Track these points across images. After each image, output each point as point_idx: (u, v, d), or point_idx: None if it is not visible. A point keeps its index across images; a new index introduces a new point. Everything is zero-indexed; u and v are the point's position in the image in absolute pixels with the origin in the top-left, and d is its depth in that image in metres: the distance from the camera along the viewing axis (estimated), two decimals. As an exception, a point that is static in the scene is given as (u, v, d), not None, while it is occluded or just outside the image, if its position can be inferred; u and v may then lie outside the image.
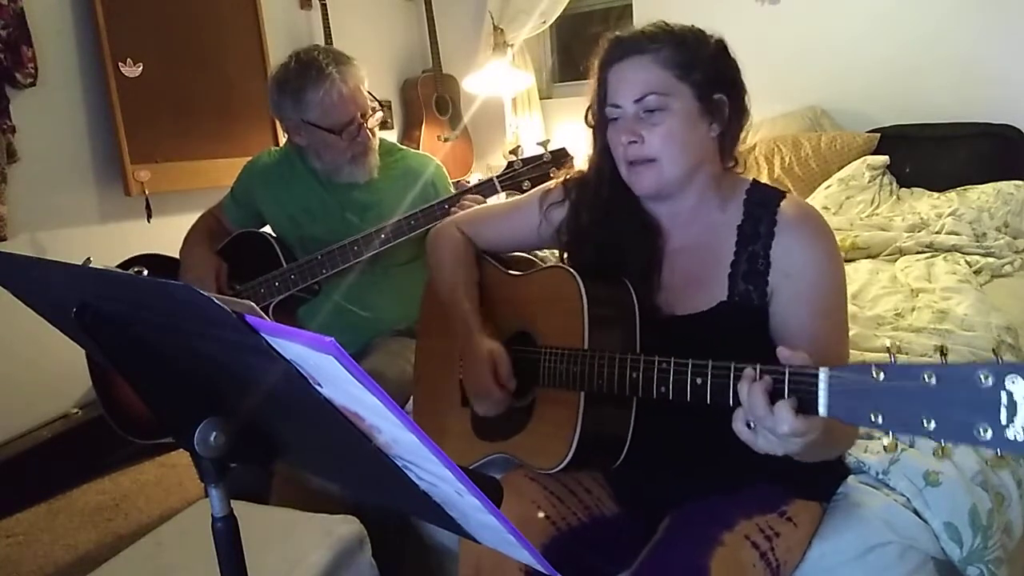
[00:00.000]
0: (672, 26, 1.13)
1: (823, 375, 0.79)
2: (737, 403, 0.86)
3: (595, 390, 1.07)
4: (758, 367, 0.85)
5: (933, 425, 0.70)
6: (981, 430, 0.67)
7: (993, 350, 0.73)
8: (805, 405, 0.81)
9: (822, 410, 0.79)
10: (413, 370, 1.56)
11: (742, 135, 1.17)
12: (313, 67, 1.69)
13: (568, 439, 1.09)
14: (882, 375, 0.74)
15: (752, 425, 0.85)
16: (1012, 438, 0.65)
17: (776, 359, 0.85)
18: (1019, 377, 0.65)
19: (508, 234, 1.39)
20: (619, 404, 1.09)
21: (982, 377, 0.67)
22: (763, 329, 1.10)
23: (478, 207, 1.58)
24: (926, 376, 0.70)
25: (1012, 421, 0.65)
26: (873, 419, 0.74)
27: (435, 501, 0.65)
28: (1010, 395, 0.65)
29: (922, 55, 2.95)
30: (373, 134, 1.78)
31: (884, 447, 0.77)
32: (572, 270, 1.16)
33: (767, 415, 0.82)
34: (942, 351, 0.74)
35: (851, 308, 1.93)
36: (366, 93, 1.76)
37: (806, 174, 2.92)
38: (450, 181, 1.91)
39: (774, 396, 0.82)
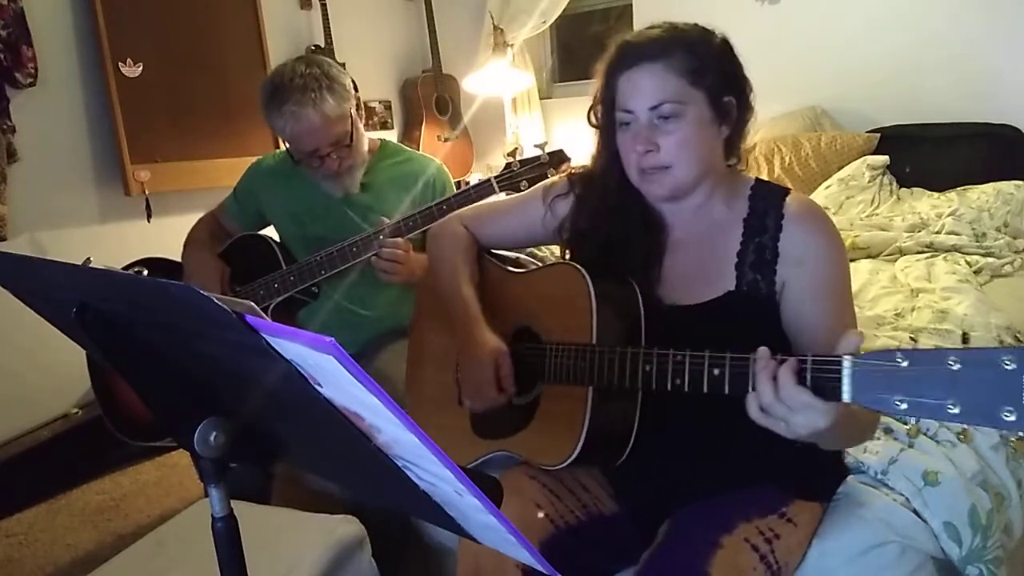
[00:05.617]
0: (677, 26, 1.13)
1: (847, 362, 0.80)
2: (754, 388, 0.87)
3: (605, 385, 1.08)
4: (779, 356, 0.87)
5: (958, 409, 0.72)
6: (1006, 412, 0.69)
7: (1016, 336, 0.75)
8: (829, 392, 0.82)
9: (846, 396, 0.81)
10: (406, 366, 1.55)
11: (746, 132, 1.18)
12: (279, 95, 1.66)
13: (575, 435, 1.09)
14: (907, 362, 0.76)
15: (766, 409, 0.86)
16: None
17: (784, 351, 0.87)
18: None
19: (512, 228, 1.38)
20: (625, 400, 1.10)
21: (1006, 362, 0.69)
22: (769, 321, 1.11)
23: (481, 203, 1.57)
24: (950, 362, 0.72)
25: None
26: (898, 405, 0.76)
27: (435, 501, 0.65)
28: None
29: (922, 55, 2.95)
30: (352, 154, 1.74)
31: (908, 431, 0.78)
32: (580, 267, 1.16)
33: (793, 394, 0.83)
34: (964, 337, 0.75)
35: (851, 308, 1.93)
36: (349, 117, 1.71)
37: (806, 174, 2.92)
38: (452, 181, 1.91)
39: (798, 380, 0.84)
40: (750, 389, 0.89)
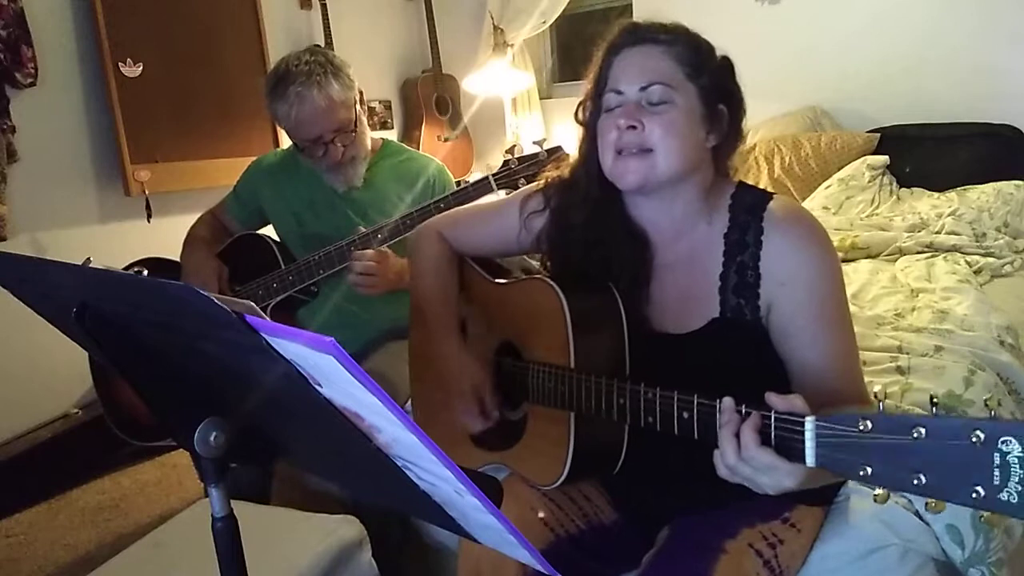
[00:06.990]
0: (688, 29, 1.10)
1: (809, 424, 0.76)
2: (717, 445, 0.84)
3: (584, 412, 1.05)
4: (743, 408, 0.83)
5: (924, 481, 0.68)
6: (974, 492, 0.65)
7: (986, 402, 0.71)
8: (793, 453, 0.78)
9: (809, 461, 0.77)
10: (410, 371, 1.55)
11: (736, 152, 1.13)
12: (284, 80, 1.67)
13: (562, 457, 1.08)
14: (869, 425, 0.71)
15: (731, 469, 0.83)
16: (1006, 500, 0.63)
17: (771, 382, 0.84)
18: (1013, 439, 0.63)
19: (488, 240, 1.34)
20: (611, 420, 1.06)
21: (974, 436, 0.64)
22: (757, 347, 1.06)
23: (459, 208, 1.53)
24: (916, 432, 0.68)
25: (1006, 484, 0.63)
26: (862, 473, 0.72)
27: (435, 501, 0.65)
28: (1004, 456, 0.63)
29: (922, 55, 2.95)
30: (356, 144, 1.75)
31: (875, 497, 0.73)
32: (554, 284, 1.11)
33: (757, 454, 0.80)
34: (932, 400, 0.71)
35: (851, 308, 1.92)
36: (353, 106, 1.73)
37: (806, 174, 2.91)
38: (453, 181, 1.91)
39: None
40: (717, 441, 0.85)
